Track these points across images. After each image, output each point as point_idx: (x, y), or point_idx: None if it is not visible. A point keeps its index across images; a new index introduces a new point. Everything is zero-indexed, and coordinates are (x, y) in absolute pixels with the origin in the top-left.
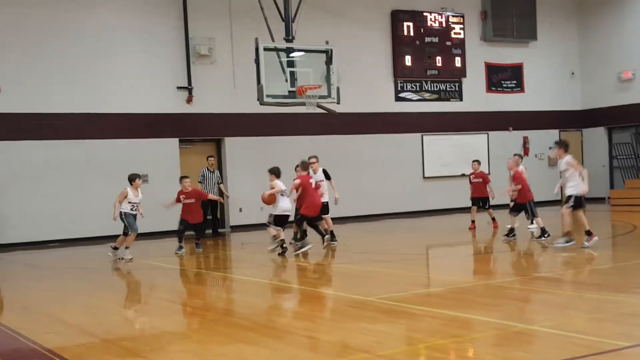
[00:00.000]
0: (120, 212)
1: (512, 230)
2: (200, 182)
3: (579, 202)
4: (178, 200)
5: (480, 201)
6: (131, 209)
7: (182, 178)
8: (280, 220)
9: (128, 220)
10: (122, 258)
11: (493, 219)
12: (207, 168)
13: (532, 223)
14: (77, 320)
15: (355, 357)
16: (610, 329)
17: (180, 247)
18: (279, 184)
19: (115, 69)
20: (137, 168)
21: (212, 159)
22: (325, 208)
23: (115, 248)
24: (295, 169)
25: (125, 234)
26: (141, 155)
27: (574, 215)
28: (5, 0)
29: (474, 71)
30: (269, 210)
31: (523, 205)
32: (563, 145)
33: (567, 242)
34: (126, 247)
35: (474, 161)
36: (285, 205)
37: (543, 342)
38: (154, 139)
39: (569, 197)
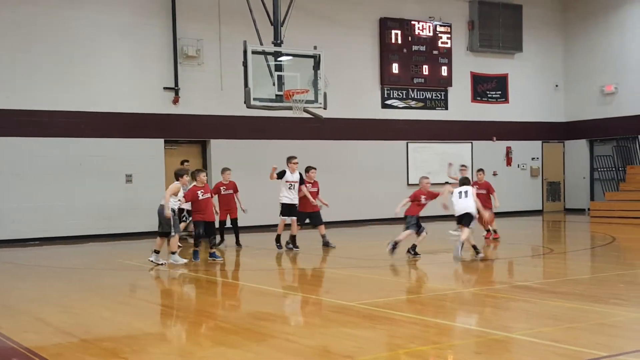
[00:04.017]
0: (172, 210)
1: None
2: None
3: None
4: (195, 197)
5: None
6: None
7: (198, 171)
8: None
9: (174, 219)
10: (163, 263)
11: (495, 230)
12: None
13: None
14: (56, 319)
15: None
16: (589, 338)
17: (196, 253)
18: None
19: (102, 68)
20: (121, 168)
21: (187, 163)
22: (295, 210)
23: (158, 252)
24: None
25: (166, 234)
26: (126, 155)
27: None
28: None
29: (459, 81)
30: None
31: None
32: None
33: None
34: (157, 251)
35: (478, 170)
36: None
37: (523, 350)
38: (139, 139)
39: None
